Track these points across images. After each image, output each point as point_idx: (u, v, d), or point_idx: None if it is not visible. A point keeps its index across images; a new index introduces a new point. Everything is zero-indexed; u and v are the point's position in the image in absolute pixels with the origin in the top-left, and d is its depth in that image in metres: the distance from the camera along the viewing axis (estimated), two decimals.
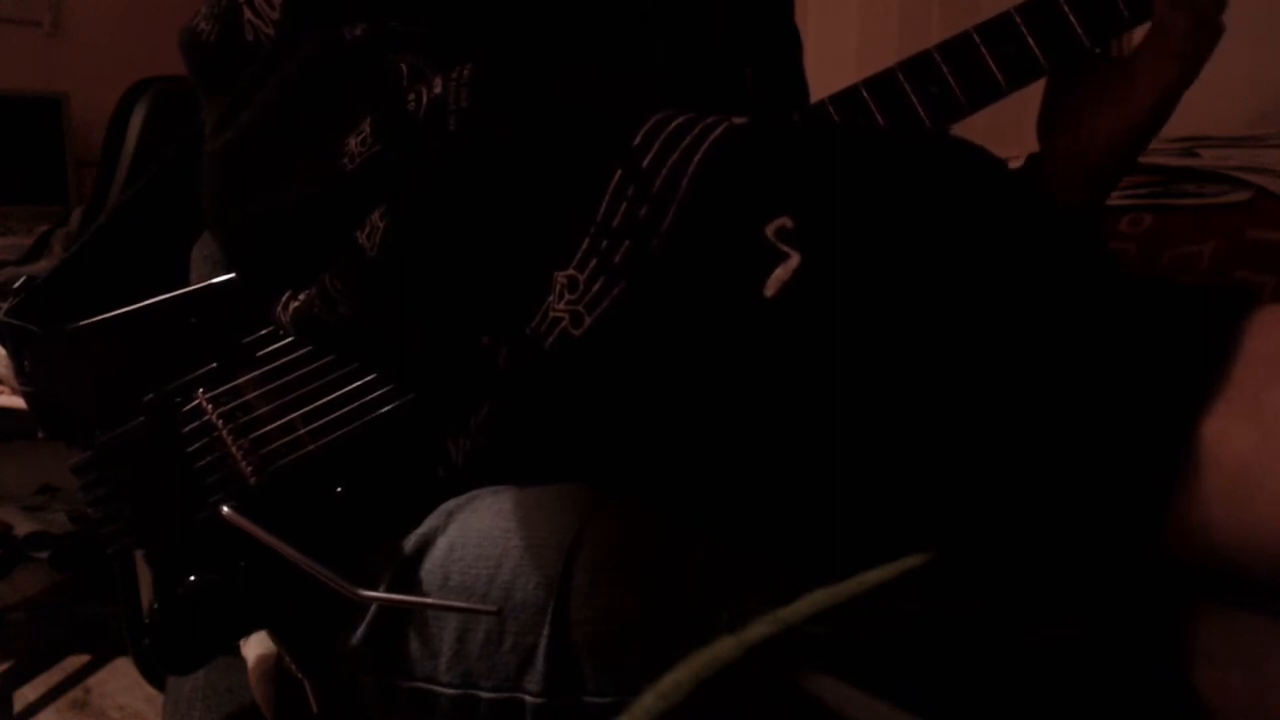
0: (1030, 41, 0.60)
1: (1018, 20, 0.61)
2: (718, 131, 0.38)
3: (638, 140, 0.38)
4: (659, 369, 0.37)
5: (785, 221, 0.35)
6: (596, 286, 0.37)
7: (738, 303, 0.35)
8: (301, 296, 0.45)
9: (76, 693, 1.83)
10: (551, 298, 0.37)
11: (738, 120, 0.38)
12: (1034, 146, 0.69)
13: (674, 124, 0.38)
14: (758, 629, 0.21)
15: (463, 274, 0.40)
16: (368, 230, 0.41)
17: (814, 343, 0.34)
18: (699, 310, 0.36)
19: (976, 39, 0.61)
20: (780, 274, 0.34)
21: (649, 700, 0.20)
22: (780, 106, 0.69)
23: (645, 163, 0.37)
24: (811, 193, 0.36)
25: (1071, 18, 0.60)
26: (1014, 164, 0.70)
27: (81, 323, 0.54)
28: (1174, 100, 0.62)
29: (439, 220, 0.40)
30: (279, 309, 0.47)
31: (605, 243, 0.37)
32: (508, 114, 0.40)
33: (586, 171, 0.38)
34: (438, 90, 0.40)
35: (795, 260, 0.34)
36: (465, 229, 0.39)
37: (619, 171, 0.37)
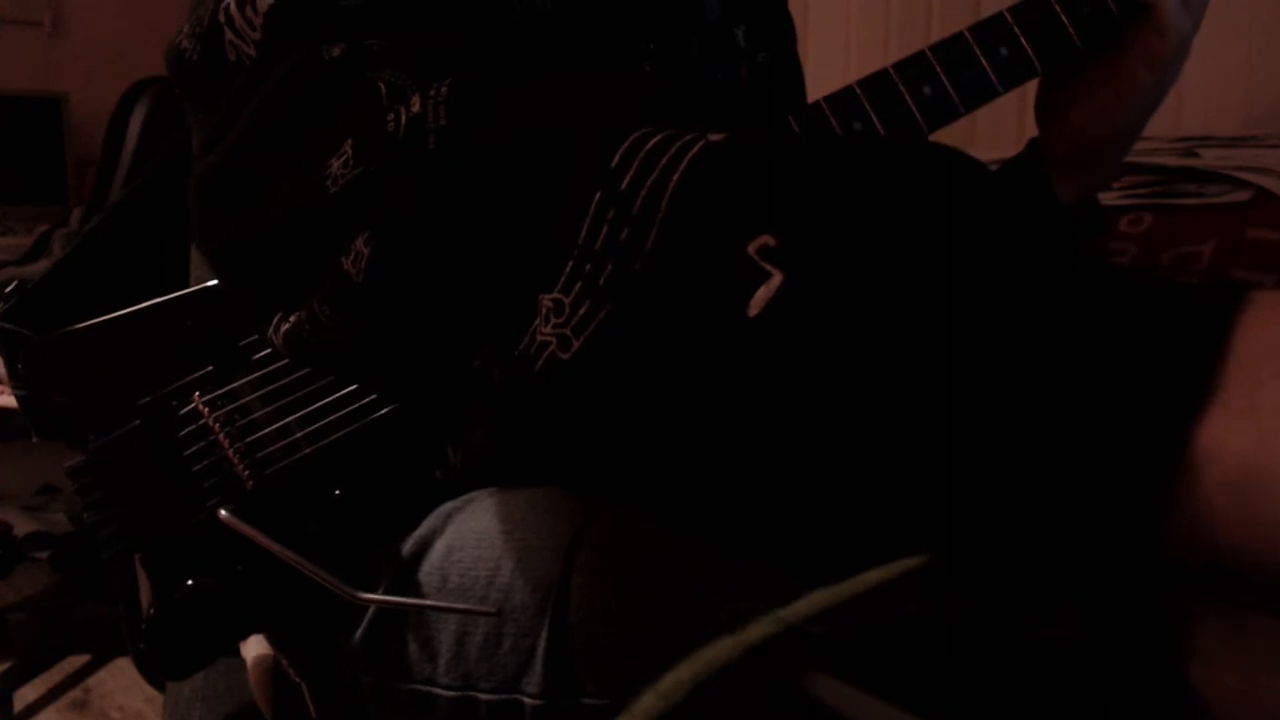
0: (1023, 42, 0.60)
1: (1010, 21, 0.60)
2: (695, 150, 0.37)
3: (616, 161, 0.37)
4: (648, 389, 0.37)
5: (767, 240, 0.35)
6: (583, 310, 0.37)
7: (722, 323, 0.35)
8: (292, 319, 0.45)
9: (76, 693, 1.83)
10: (538, 321, 0.37)
11: (715, 137, 0.38)
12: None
13: (652, 142, 0.38)
14: (758, 629, 0.21)
15: (449, 298, 0.39)
16: (353, 256, 0.41)
17: (798, 360, 0.34)
18: (684, 331, 0.36)
19: (970, 40, 0.60)
20: (763, 293, 0.34)
21: (649, 700, 0.20)
22: (776, 103, 0.69)
23: (624, 184, 0.37)
24: (793, 210, 0.36)
25: (1064, 18, 0.60)
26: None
27: (76, 326, 0.54)
28: (1165, 83, 0.62)
29: (422, 244, 0.40)
30: (271, 331, 0.47)
31: (589, 266, 0.37)
32: (487, 133, 0.40)
33: (567, 194, 0.38)
34: (416, 109, 0.40)
35: (778, 279, 0.34)
36: (448, 253, 0.39)
37: (599, 193, 0.37)
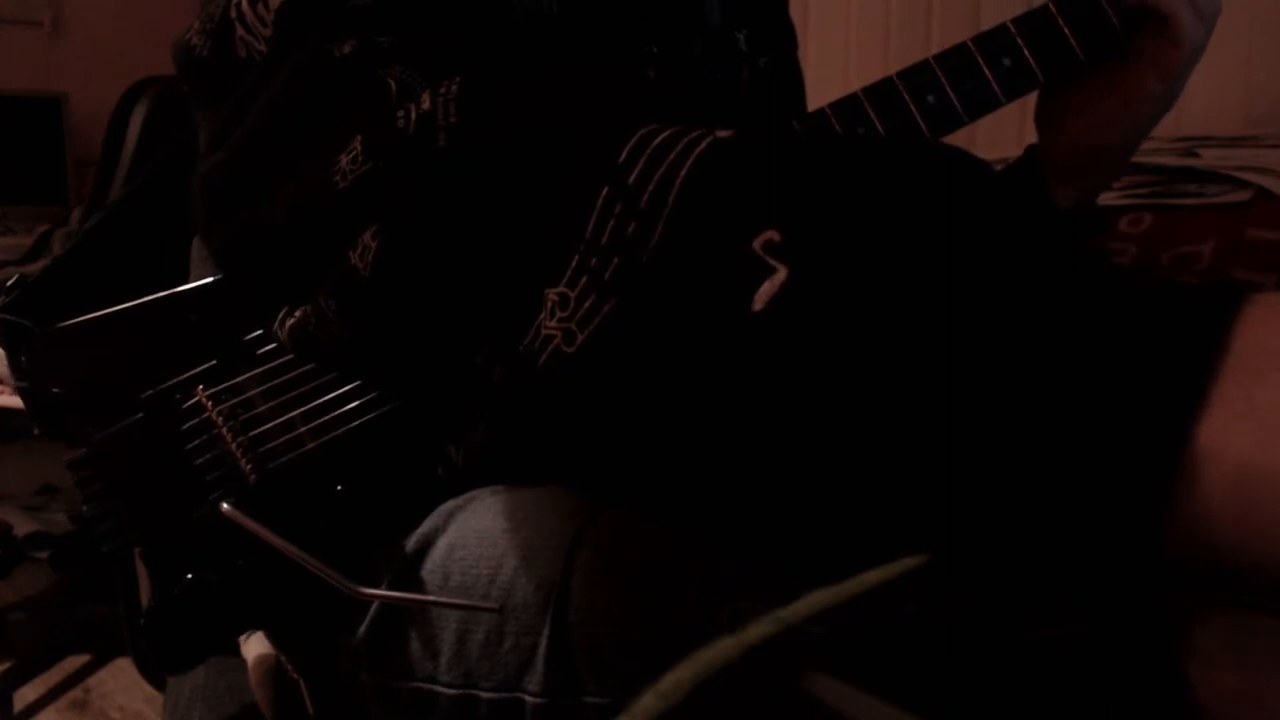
0: (1026, 54, 0.61)
1: (1013, 32, 0.61)
2: (702, 145, 0.37)
3: (623, 156, 0.38)
4: (652, 383, 0.37)
5: (773, 235, 0.35)
6: (588, 304, 0.37)
7: (726, 317, 0.35)
8: (297, 314, 0.45)
9: (76, 693, 1.83)
10: (543, 315, 0.37)
11: (722, 133, 0.38)
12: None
13: (659, 138, 0.38)
14: (758, 629, 0.21)
15: (455, 293, 0.40)
16: (360, 250, 0.41)
17: (803, 356, 0.34)
18: (689, 325, 0.36)
19: (973, 50, 0.61)
20: (768, 288, 0.34)
21: (649, 700, 0.20)
22: (777, 106, 0.69)
23: (631, 179, 0.37)
24: (798, 206, 0.36)
25: (1066, 31, 0.61)
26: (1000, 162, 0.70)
27: (80, 319, 0.54)
28: (1174, 92, 0.63)
29: (430, 239, 0.40)
30: (276, 325, 0.47)
31: (595, 260, 0.37)
32: (496, 130, 0.40)
33: (574, 188, 0.38)
34: (426, 106, 0.41)
35: (783, 274, 0.34)
36: (456, 247, 0.39)
37: (606, 188, 0.37)
